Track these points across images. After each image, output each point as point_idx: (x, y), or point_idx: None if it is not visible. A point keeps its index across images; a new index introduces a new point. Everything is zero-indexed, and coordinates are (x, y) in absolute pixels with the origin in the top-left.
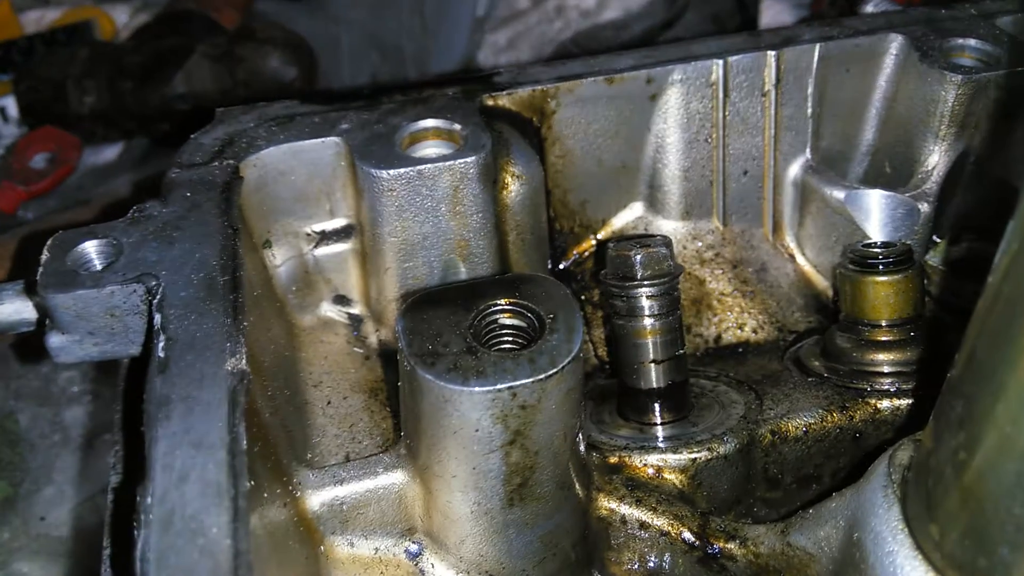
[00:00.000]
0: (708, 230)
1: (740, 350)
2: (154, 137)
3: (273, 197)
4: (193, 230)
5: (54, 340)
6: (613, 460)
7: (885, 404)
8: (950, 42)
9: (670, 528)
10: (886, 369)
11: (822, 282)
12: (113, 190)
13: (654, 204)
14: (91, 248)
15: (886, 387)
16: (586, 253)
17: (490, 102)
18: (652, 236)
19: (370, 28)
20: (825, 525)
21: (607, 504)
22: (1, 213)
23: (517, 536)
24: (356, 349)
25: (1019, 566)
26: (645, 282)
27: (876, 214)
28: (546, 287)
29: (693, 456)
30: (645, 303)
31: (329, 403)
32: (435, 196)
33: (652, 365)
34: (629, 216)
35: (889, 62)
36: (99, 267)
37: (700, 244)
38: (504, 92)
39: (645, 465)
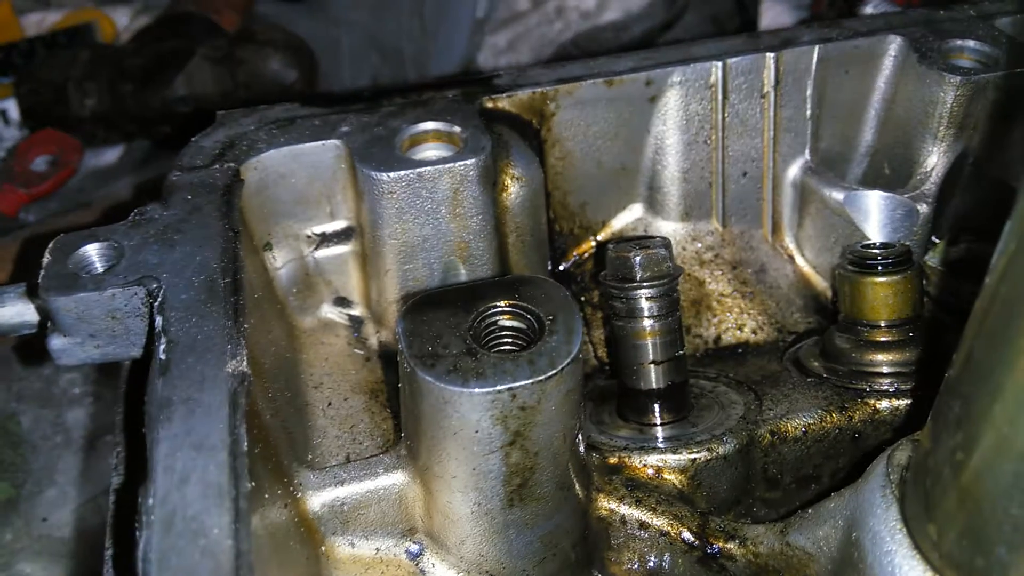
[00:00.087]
0: (707, 231)
1: (739, 351)
2: (155, 139)
3: (274, 200)
4: (194, 233)
5: (56, 342)
6: (613, 461)
7: (884, 404)
8: (949, 43)
9: (670, 528)
10: (885, 369)
11: (821, 283)
12: (114, 193)
13: (653, 206)
14: (92, 251)
15: (885, 387)
16: (586, 255)
17: (490, 104)
18: (651, 237)
19: (370, 30)
20: (824, 525)
21: (607, 504)
22: (2, 216)
23: (517, 536)
24: (356, 351)
25: (1016, 566)
26: (644, 283)
27: (875, 215)
28: (546, 289)
29: (693, 456)
30: (644, 304)
31: (330, 404)
32: (435, 198)
33: (652, 366)
34: (628, 217)
35: (888, 63)
36: (100, 270)
37: (699, 245)
38: (504, 94)
39: (645, 465)
